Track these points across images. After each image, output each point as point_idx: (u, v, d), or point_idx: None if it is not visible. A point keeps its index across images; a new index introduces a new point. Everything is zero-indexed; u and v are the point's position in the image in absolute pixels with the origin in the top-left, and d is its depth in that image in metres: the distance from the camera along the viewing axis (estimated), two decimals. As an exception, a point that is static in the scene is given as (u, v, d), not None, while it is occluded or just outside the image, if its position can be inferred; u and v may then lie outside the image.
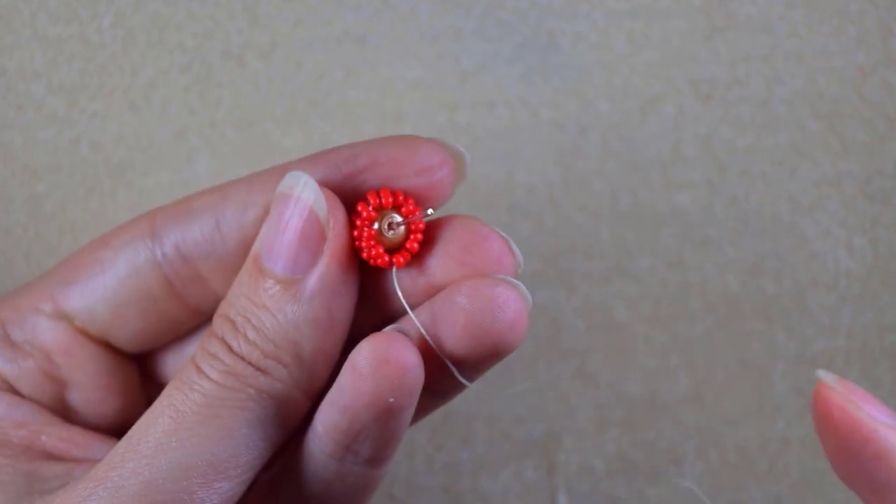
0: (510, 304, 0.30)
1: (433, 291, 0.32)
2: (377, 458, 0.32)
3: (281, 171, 0.32)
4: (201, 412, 0.29)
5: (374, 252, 0.31)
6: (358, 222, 0.31)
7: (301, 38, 0.47)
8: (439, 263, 0.32)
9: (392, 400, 0.30)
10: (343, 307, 0.31)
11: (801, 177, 0.47)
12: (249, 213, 0.33)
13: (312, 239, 0.30)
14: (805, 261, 0.47)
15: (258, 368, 0.30)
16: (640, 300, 0.47)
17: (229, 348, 0.30)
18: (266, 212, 0.32)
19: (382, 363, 0.30)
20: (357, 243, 0.32)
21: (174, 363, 0.36)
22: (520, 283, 0.30)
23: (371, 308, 0.33)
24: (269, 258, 0.30)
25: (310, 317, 0.30)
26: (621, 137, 0.47)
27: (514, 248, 0.31)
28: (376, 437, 0.31)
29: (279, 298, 0.30)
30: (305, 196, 0.30)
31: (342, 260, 0.31)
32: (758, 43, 0.47)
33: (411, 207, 0.32)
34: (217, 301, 0.34)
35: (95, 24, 0.47)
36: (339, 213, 0.31)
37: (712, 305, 0.47)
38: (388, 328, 0.31)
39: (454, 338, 0.30)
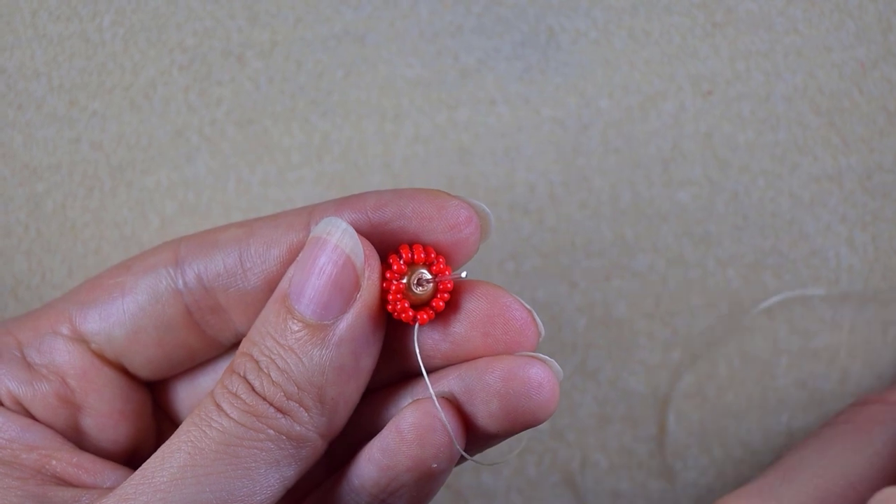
0: (545, 385, 0.31)
1: (455, 359, 0.32)
2: None
3: (307, 212, 0.33)
4: (219, 450, 0.29)
5: (399, 306, 0.32)
6: (388, 274, 0.32)
7: (301, 36, 0.47)
8: (463, 332, 0.32)
9: (435, 466, 0.31)
10: (369, 355, 0.31)
11: (802, 172, 0.47)
12: (273, 251, 0.33)
13: (346, 287, 0.30)
14: (806, 256, 0.47)
15: (279, 409, 0.30)
16: (641, 296, 0.47)
17: (251, 388, 0.30)
18: (291, 251, 0.33)
19: (429, 430, 0.31)
20: (384, 295, 0.32)
21: (186, 393, 0.36)
22: (552, 361, 0.31)
23: (392, 361, 0.34)
24: (298, 300, 0.30)
25: (336, 363, 0.30)
26: (621, 134, 0.47)
27: (537, 318, 0.32)
28: (413, 494, 0.32)
29: (306, 342, 0.30)
30: (343, 244, 0.31)
31: (373, 310, 0.31)
32: (757, 39, 0.47)
33: (442, 266, 0.32)
34: (235, 334, 0.35)
35: (96, 22, 0.47)
36: (375, 264, 0.31)
37: (713, 301, 0.47)
38: (434, 393, 0.32)
39: (488, 416, 0.31)
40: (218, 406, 0.30)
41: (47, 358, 0.34)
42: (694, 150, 0.47)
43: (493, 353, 0.32)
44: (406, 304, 0.32)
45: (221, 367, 0.36)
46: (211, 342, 0.35)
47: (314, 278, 0.30)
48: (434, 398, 0.31)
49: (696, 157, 0.47)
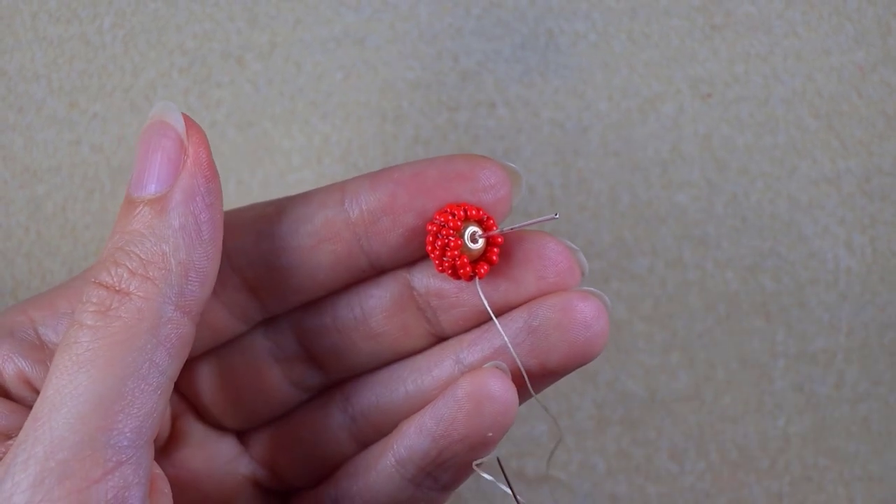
0: (601, 316, 0.32)
1: (507, 306, 0.33)
2: (454, 483, 0.33)
3: (339, 189, 0.33)
4: (81, 361, 0.28)
5: (459, 263, 0.32)
6: (443, 232, 0.32)
7: (301, 38, 0.47)
8: (518, 276, 0.33)
9: (490, 434, 0.31)
10: (209, 216, 0.31)
11: (800, 175, 0.47)
12: (306, 227, 0.33)
13: (174, 152, 0.31)
14: (804, 258, 0.47)
15: (124, 293, 0.29)
16: (640, 299, 0.47)
17: (101, 284, 0.30)
18: (325, 225, 0.33)
19: (486, 399, 0.31)
20: (439, 253, 0.32)
21: (209, 369, 0.36)
22: (602, 293, 0.32)
23: (419, 324, 0.34)
24: (137, 188, 0.30)
25: (176, 224, 0.30)
26: (621, 137, 0.47)
27: (581, 257, 0.33)
28: (460, 465, 0.32)
29: (149, 218, 0.30)
30: (166, 116, 0.31)
31: (203, 168, 0.31)
32: (756, 42, 0.47)
33: (491, 222, 0.33)
34: (262, 311, 0.35)
35: (96, 24, 0.47)
36: (196, 126, 0.31)
37: (712, 303, 0.47)
38: (488, 364, 0.32)
39: (547, 351, 0.32)
40: (75, 322, 0.29)
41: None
42: (693, 153, 0.47)
43: (545, 293, 0.33)
44: (466, 260, 0.32)
45: (247, 343, 0.36)
46: (237, 320, 0.35)
47: (149, 160, 0.31)
48: (509, 345, 0.32)
49: (694, 160, 0.47)
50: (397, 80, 0.47)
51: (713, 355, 0.47)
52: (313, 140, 0.47)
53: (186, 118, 0.31)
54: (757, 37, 0.47)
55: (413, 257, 0.34)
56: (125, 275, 0.30)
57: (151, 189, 0.30)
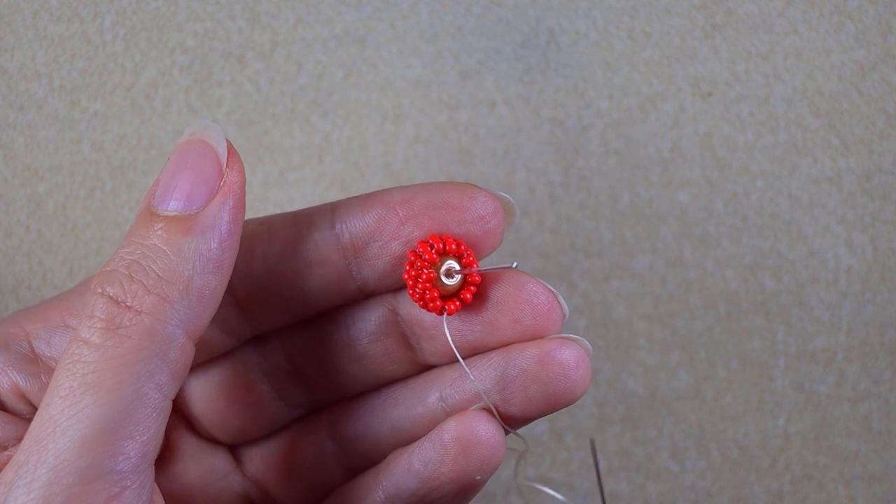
0: (581, 365, 0.31)
1: (484, 347, 0.33)
2: None
3: (330, 209, 0.33)
4: (87, 382, 0.28)
5: (428, 296, 0.32)
6: (418, 263, 0.32)
7: (301, 37, 0.47)
8: (492, 320, 0.32)
9: (479, 478, 0.31)
10: (232, 246, 0.30)
11: (801, 174, 0.47)
12: (295, 250, 0.33)
13: (210, 175, 0.30)
14: (805, 257, 0.47)
15: (132, 309, 0.29)
16: (640, 297, 0.47)
17: (109, 298, 0.29)
18: (315, 250, 0.33)
19: (475, 444, 0.31)
20: (412, 283, 0.32)
21: (198, 383, 0.36)
22: (583, 339, 0.32)
23: (408, 352, 0.34)
24: (162, 201, 0.30)
25: (202, 250, 0.29)
26: (621, 135, 0.47)
27: (561, 300, 0.32)
28: (448, 503, 0.32)
29: (172, 235, 0.29)
30: (208, 137, 0.30)
31: (237, 198, 0.30)
32: (757, 40, 0.47)
33: (471, 259, 0.32)
34: (254, 328, 0.35)
35: (97, 23, 0.47)
36: (237, 155, 0.31)
37: (712, 302, 0.47)
38: (474, 407, 0.32)
39: (526, 400, 0.32)
40: (78, 339, 0.29)
41: (57, 351, 0.33)
42: (693, 152, 0.47)
43: (523, 339, 0.32)
44: (435, 294, 0.32)
45: (237, 357, 0.36)
46: (227, 336, 0.35)
47: (178, 173, 0.30)
48: (481, 391, 0.32)
49: (695, 159, 0.47)
50: (398, 78, 0.47)
51: (713, 354, 0.47)
52: (314, 139, 0.47)
53: (229, 146, 0.31)
54: (758, 35, 0.47)
55: (400, 284, 0.34)
56: (140, 291, 0.29)
57: (177, 206, 0.30)
